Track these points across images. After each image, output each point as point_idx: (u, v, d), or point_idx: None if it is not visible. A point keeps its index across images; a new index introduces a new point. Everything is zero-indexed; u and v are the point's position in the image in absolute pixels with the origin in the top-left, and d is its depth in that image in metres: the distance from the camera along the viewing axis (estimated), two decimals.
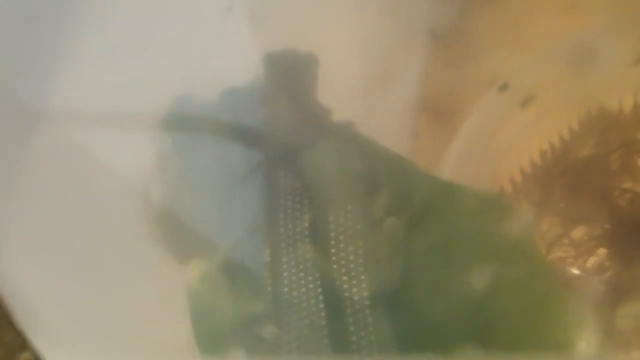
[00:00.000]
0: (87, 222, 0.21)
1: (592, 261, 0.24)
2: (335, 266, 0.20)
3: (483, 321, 0.19)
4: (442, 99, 0.23)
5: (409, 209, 0.21)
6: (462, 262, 0.20)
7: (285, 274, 0.21)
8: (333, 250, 0.20)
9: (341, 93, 0.22)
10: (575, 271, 0.24)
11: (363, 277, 0.20)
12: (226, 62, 0.22)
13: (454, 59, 0.23)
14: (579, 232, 0.24)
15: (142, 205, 0.22)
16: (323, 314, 0.20)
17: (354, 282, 0.20)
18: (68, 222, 0.22)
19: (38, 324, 0.20)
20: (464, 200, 0.21)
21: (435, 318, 0.20)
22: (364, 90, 0.23)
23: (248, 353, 0.20)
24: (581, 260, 0.24)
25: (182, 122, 0.22)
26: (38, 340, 0.20)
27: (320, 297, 0.20)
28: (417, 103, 0.23)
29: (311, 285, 0.20)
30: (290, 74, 0.22)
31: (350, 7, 0.23)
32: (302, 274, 0.20)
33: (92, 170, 0.22)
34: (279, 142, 0.22)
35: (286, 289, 0.20)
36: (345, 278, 0.20)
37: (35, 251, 0.21)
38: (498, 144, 0.24)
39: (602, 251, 0.24)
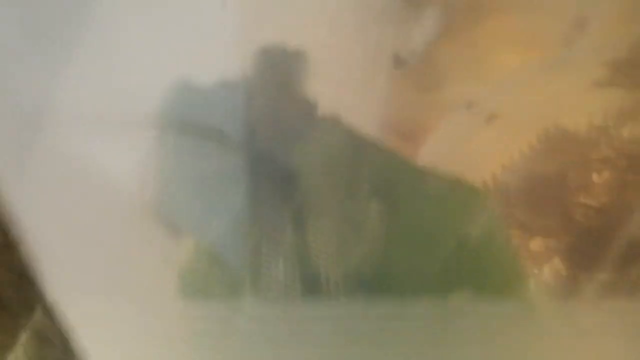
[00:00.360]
0: (94, 201, 0.23)
1: (548, 269, 0.26)
2: (315, 249, 0.22)
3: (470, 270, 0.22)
4: (407, 119, 0.25)
5: (392, 192, 0.22)
6: (440, 228, 0.22)
7: (267, 256, 0.22)
8: (316, 233, 0.22)
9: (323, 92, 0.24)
10: (533, 278, 0.26)
11: (344, 258, 0.22)
12: (220, 57, 0.24)
13: (417, 84, 0.24)
14: (536, 244, 0.26)
15: (138, 191, 0.23)
16: (300, 291, 0.22)
17: (333, 264, 0.22)
18: (78, 200, 0.24)
19: (57, 276, 0.22)
20: (441, 182, 0.23)
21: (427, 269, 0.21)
22: (336, 103, 0.24)
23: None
24: (538, 269, 0.26)
25: (177, 114, 0.23)
26: (55, 288, 0.22)
27: (298, 277, 0.22)
28: (384, 121, 0.25)
29: (290, 267, 0.22)
30: (280, 68, 0.23)
31: (328, 21, 0.24)
32: (282, 256, 0.22)
33: (97, 160, 0.23)
34: (269, 132, 0.23)
35: (265, 268, 0.22)
36: (324, 260, 0.22)
37: (57, 222, 0.23)
38: (463, 158, 0.25)
39: (557, 261, 0.26)
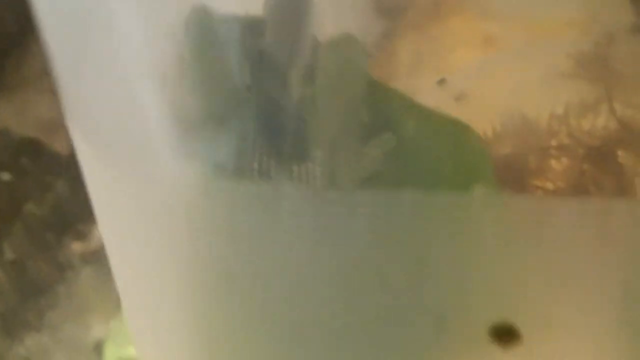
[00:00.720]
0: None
1: None
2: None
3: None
4: None
5: (396, 122, 0.23)
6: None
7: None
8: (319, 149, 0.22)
9: None
10: None
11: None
12: None
13: (378, 75, 0.25)
14: None
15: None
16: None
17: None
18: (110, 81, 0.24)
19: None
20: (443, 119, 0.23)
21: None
22: None
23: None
24: None
25: (201, 28, 0.23)
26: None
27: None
28: None
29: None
30: (290, 6, 0.24)
31: None
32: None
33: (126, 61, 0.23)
34: (278, 68, 0.23)
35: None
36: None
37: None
38: None
39: None
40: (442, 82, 0.27)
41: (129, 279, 0.24)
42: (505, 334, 0.20)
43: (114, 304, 0.42)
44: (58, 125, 0.42)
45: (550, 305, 0.20)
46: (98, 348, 0.43)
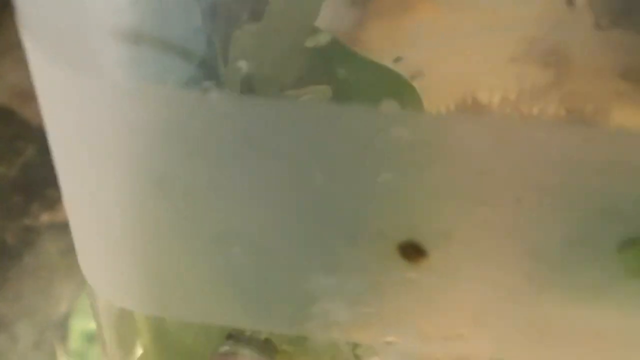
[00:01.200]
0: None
1: None
2: None
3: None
4: None
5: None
6: None
7: None
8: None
9: None
10: None
11: None
12: None
13: None
14: None
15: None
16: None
17: None
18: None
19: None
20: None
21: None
22: None
23: None
24: None
25: None
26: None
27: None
28: None
29: None
30: None
31: None
32: None
33: None
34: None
35: None
36: None
37: None
38: None
39: None
40: (398, 60, 0.27)
41: (71, 177, 0.25)
42: (412, 251, 0.21)
43: (81, 278, 0.42)
44: (31, 95, 0.43)
45: (453, 222, 0.21)
46: (65, 321, 0.43)
